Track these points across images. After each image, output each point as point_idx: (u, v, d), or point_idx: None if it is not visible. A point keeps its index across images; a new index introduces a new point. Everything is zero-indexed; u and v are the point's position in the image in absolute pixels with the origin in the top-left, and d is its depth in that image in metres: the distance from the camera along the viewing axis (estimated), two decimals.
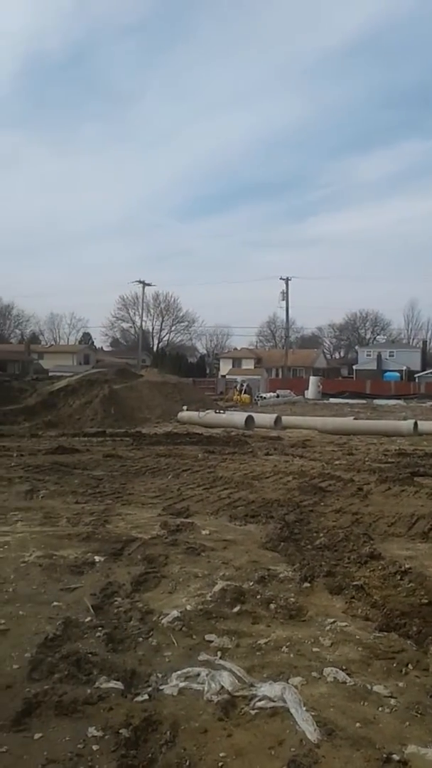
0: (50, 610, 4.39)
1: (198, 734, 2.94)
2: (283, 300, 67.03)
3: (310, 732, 2.91)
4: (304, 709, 3.10)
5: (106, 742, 2.85)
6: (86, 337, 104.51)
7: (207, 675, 3.41)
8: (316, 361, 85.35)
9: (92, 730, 2.92)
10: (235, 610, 4.44)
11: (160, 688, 3.33)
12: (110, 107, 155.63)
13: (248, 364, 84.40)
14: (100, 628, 4.07)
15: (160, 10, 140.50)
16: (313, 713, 3.07)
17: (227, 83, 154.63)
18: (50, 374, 44.35)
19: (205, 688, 3.30)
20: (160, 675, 3.47)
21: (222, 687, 3.30)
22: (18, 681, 3.37)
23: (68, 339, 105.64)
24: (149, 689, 3.31)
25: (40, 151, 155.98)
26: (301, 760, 2.72)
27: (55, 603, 4.54)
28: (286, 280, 65.78)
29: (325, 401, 44.74)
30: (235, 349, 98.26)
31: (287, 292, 66.33)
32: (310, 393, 50.40)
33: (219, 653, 3.76)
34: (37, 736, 2.89)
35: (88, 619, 4.24)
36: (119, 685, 3.33)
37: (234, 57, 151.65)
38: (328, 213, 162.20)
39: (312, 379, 54.48)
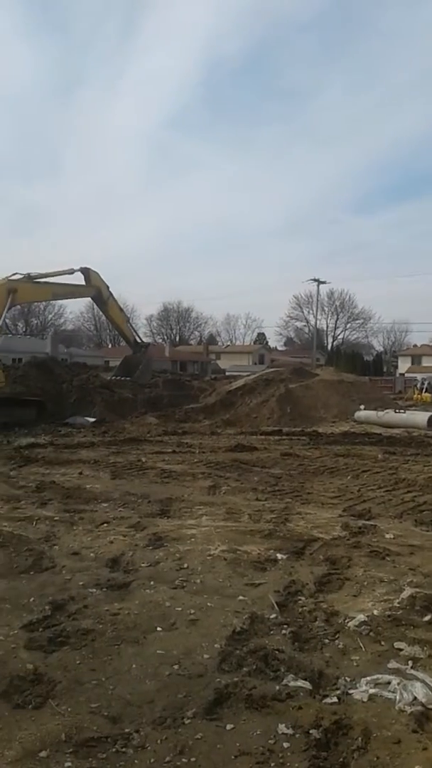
0: (236, 604, 4.50)
1: (391, 744, 2.83)
2: None
3: None
4: None
5: (297, 741, 2.85)
6: (261, 337, 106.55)
7: (398, 684, 3.29)
8: None
9: (282, 728, 2.94)
10: (426, 618, 4.23)
11: (349, 692, 3.27)
12: (287, 106, 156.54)
13: (429, 362, 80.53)
14: (285, 626, 4.10)
15: (337, 3, 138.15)
16: None
17: (406, 71, 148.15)
18: (227, 374, 45.76)
19: (397, 698, 3.18)
20: (348, 679, 3.41)
21: (415, 698, 3.16)
22: (209, 671, 3.49)
23: (243, 339, 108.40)
24: (338, 692, 3.26)
25: (219, 155, 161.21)
26: None
27: (240, 597, 4.64)
28: None
29: None
30: (415, 345, 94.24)
31: None
32: None
33: (410, 662, 3.61)
34: (228, 726, 2.97)
35: (273, 615, 4.28)
36: (307, 684, 3.32)
37: (411, 45, 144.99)
38: None
39: None
